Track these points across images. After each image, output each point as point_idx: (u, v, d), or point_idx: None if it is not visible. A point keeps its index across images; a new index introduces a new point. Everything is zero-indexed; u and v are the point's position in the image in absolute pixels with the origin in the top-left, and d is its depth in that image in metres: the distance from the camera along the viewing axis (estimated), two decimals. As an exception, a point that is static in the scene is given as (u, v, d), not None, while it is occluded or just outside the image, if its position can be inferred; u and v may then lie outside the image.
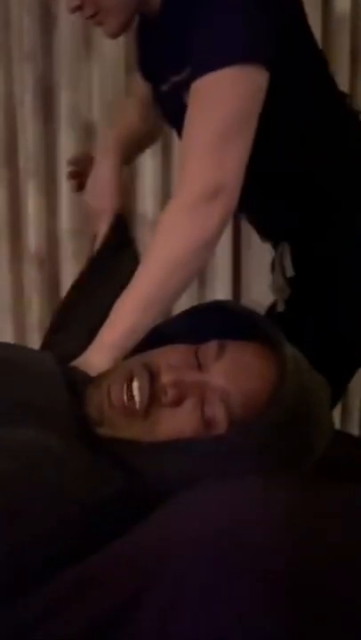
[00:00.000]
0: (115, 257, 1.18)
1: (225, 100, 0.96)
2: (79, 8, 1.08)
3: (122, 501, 0.70)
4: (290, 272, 1.24)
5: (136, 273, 0.98)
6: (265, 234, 1.34)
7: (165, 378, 0.76)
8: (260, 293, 2.00)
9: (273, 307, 1.32)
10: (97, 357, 0.91)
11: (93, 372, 0.87)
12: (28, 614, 0.59)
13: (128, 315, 0.94)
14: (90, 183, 1.30)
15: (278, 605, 0.53)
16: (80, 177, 1.38)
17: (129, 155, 1.36)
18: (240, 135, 0.96)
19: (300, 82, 1.10)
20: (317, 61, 1.17)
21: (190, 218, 0.96)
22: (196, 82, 0.97)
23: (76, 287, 1.20)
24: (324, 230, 1.19)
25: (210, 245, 0.98)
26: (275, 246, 1.31)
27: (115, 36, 1.12)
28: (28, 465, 0.65)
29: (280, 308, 1.28)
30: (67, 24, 1.90)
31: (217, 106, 0.96)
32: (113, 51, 1.92)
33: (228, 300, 1.86)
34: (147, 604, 0.56)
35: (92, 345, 0.94)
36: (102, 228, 1.25)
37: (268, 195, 1.20)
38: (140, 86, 1.34)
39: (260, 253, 1.97)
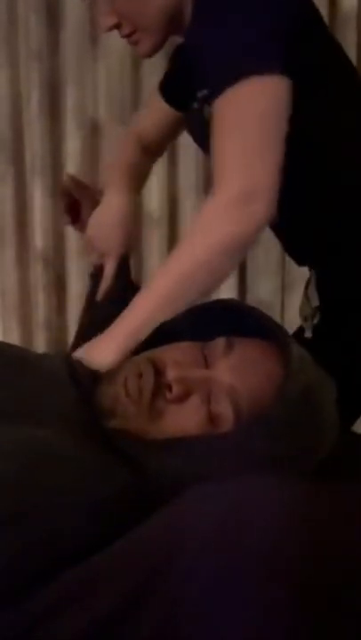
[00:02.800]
0: (118, 301, 1.13)
1: (249, 108, 0.95)
2: (116, 27, 1.08)
3: (127, 499, 0.70)
4: (315, 302, 1.22)
5: (159, 269, 0.97)
6: (297, 258, 1.31)
7: (171, 374, 0.76)
8: (266, 292, 2.00)
9: (300, 332, 1.30)
10: (103, 349, 0.90)
11: (97, 363, 0.87)
12: (32, 613, 0.59)
13: (143, 310, 0.93)
14: (95, 219, 1.24)
15: (284, 605, 0.53)
16: (74, 207, 1.33)
17: (137, 189, 1.32)
18: (270, 142, 0.95)
19: (329, 94, 1.09)
20: (343, 68, 1.15)
21: (224, 221, 0.94)
22: (219, 97, 0.96)
23: (78, 336, 1.19)
24: (352, 258, 1.17)
25: (241, 249, 0.97)
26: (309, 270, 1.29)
27: (148, 55, 1.11)
28: (27, 465, 0.65)
29: (308, 334, 1.25)
30: (73, 23, 1.91)
31: (244, 118, 0.95)
32: (119, 49, 1.92)
33: (233, 298, 1.86)
34: (151, 602, 0.56)
35: (103, 335, 0.93)
36: (106, 268, 1.21)
37: (297, 216, 1.17)
38: (157, 111, 1.33)
39: (266, 252, 1.97)
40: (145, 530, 0.63)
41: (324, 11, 1.84)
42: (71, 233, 2.00)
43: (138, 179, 1.33)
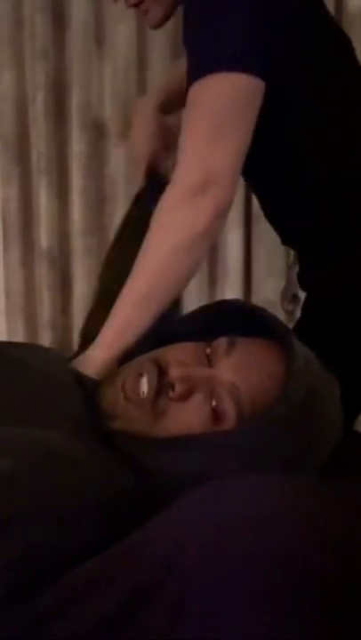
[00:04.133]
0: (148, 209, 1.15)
1: (213, 100, 0.96)
2: None
3: (131, 499, 0.70)
4: (295, 289, 1.25)
5: (133, 269, 0.98)
6: (281, 235, 1.33)
7: (174, 373, 0.76)
8: (271, 292, 2.00)
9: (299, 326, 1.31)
10: (95, 355, 0.93)
11: (91, 369, 0.89)
12: (38, 612, 0.59)
13: (122, 311, 0.95)
14: (132, 131, 1.31)
15: (289, 608, 0.53)
16: (127, 125, 1.39)
17: (173, 103, 1.34)
18: (228, 134, 0.96)
19: (316, 90, 1.09)
20: (340, 63, 1.15)
21: (181, 212, 0.96)
22: (192, 85, 0.98)
23: (106, 262, 1.22)
24: (336, 251, 1.17)
25: (204, 238, 0.97)
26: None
27: (157, 26, 1.12)
28: (33, 465, 0.65)
29: (287, 321, 1.27)
30: (78, 23, 1.91)
31: (206, 106, 0.97)
32: (125, 49, 1.92)
33: (237, 298, 1.86)
34: (156, 601, 0.56)
35: (94, 343, 0.95)
36: (138, 176, 1.27)
37: (287, 207, 1.20)
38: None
39: (271, 252, 1.97)
40: (152, 528, 0.63)
41: (330, 10, 1.84)
42: (76, 233, 2.00)
43: (176, 96, 1.34)
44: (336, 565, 0.56)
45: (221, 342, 0.79)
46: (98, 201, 2.01)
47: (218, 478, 0.67)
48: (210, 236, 0.98)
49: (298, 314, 1.28)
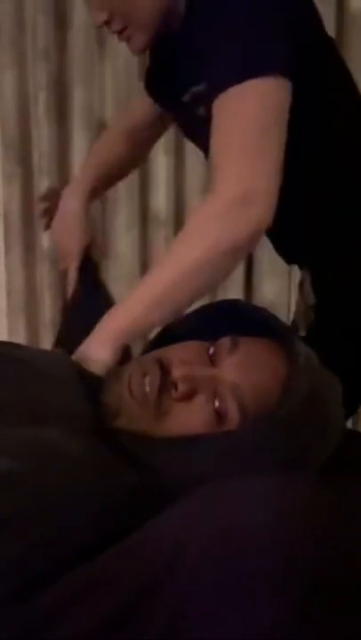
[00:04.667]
0: (86, 305, 1.15)
1: (252, 112, 0.94)
2: (107, 23, 1.05)
3: (134, 498, 0.70)
4: (311, 299, 1.21)
5: (153, 269, 0.97)
6: (287, 257, 1.30)
7: (177, 372, 0.76)
8: (273, 292, 2.00)
9: (293, 326, 1.30)
10: (97, 347, 0.90)
11: (93, 363, 0.87)
12: (38, 612, 0.59)
13: (135, 307, 0.92)
14: (56, 221, 1.27)
15: (290, 609, 0.53)
16: (51, 214, 1.34)
17: (102, 186, 1.33)
18: (269, 144, 0.94)
19: (324, 96, 1.08)
20: (342, 73, 1.14)
21: (220, 223, 0.92)
22: (220, 96, 0.95)
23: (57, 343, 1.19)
24: (347, 257, 1.16)
25: (238, 253, 0.95)
26: (300, 269, 1.29)
27: (140, 52, 1.10)
28: (34, 466, 0.65)
29: (301, 332, 1.24)
30: (80, 23, 1.91)
31: (244, 118, 0.94)
32: (126, 50, 1.90)
33: (238, 298, 1.86)
34: (158, 601, 0.56)
35: (93, 333, 0.92)
36: (71, 270, 1.22)
37: (291, 217, 1.13)
38: (144, 105, 1.32)
39: (272, 252, 1.96)
40: (154, 528, 0.63)
41: (331, 12, 1.84)
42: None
43: (107, 177, 1.34)
44: (337, 566, 0.56)
45: (224, 342, 0.79)
46: (99, 201, 2.01)
47: (220, 478, 0.66)
48: (243, 252, 0.97)
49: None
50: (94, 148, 1.42)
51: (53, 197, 1.33)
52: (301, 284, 1.25)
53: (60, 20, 1.93)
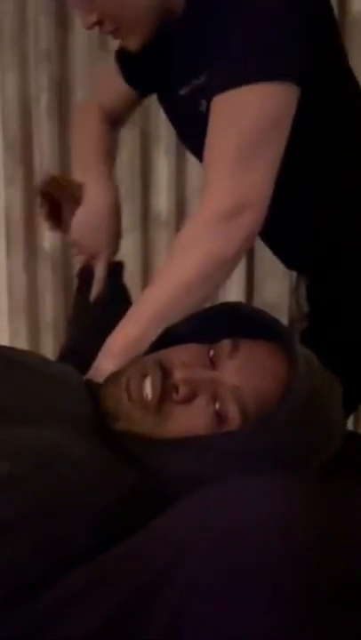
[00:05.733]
0: (112, 309, 1.11)
1: (251, 115, 0.92)
2: (97, 24, 1.02)
3: (136, 499, 0.70)
4: (304, 307, 1.21)
5: (152, 284, 0.96)
6: (286, 262, 1.30)
7: (177, 375, 0.76)
8: (273, 294, 2.00)
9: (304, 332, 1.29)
10: (105, 365, 0.91)
11: (102, 379, 0.87)
12: (39, 612, 0.60)
13: (136, 325, 0.93)
14: (79, 219, 1.16)
15: (291, 609, 0.53)
16: (55, 210, 1.23)
17: (112, 163, 1.26)
18: (265, 152, 0.92)
19: (328, 101, 1.06)
20: (350, 78, 1.12)
21: (211, 235, 0.92)
22: (221, 95, 0.93)
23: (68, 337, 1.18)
24: (342, 268, 1.16)
25: (230, 263, 0.95)
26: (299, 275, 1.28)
27: (136, 50, 1.06)
28: (37, 466, 0.65)
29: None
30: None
31: (242, 121, 0.92)
32: (128, 51, 1.92)
33: (239, 301, 1.86)
34: (159, 602, 0.56)
35: (101, 352, 0.94)
36: (97, 271, 1.17)
37: (290, 221, 1.15)
38: (115, 92, 1.26)
39: (273, 254, 1.97)
40: (156, 529, 0.64)
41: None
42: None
43: (110, 152, 1.26)
44: (337, 567, 0.56)
45: (225, 344, 0.79)
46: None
47: (220, 480, 0.67)
48: (237, 260, 0.96)
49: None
50: (82, 134, 1.30)
51: (56, 191, 1.23)
52: (296, 290, 1.25)
53: (62, 22, 1.93)
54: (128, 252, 2.02)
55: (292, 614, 0.53)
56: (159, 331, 0.90)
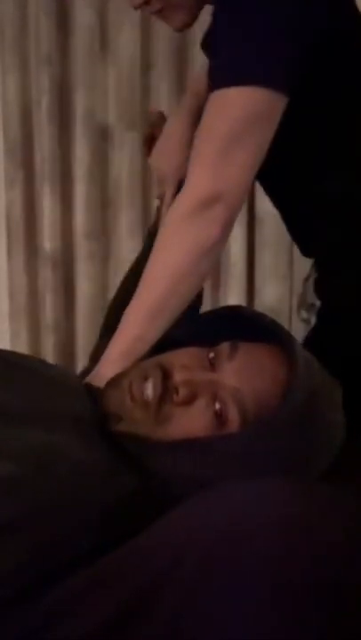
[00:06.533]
0: None
1: (233, 113, 0.95)
2: (146, 3, 1.05)
3: (137, 501, 0.71)
4: (310, 298, 1.22)
5: (140, 283, 0.98)
6: (301, 248, 1.30)
7: (178, 377, 0.77)
8: (274, 298, 2.00)
9: (310, 337, 1.30)
10: (106, 371, 0.91)
11: (102, 384, 0.87)
12: (41, 612, 0.60)
13: (132, 327, 0.94)
14: (157, 147, 1.24)
15: (291, 611, 0.53)
16: (151, 140, 1.29)
17: (199, 118, 1.27)
18: (246, 147, 0.95)
19: (346, 98, 1.07)
20: None
21: (188, 227, 0.95)
22: (214, 92, 0.96)
23: (131, 272, 1.20)
24: (351, 263, 1.16)
25: (211, 253, 0.97)
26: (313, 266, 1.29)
27: (180, 30, 1.10)
28: (39, 467, 0.65)
29: (304, 329, 1.26)
30: (83, 27, 1.92)
31: (223, 119, 0.95)
32: (129, 53, 1.93)
33: (240, 304, 1.86)
34: (159, 602, 0.56)
35: (102, 358, 0.94)
36: (167, 196, 1.20)
37: (307, 206, 1.17)
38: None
39: (274, 257, 1.97)
40: (157, 531, 0.64)
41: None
42: (79, 237, 2.01)
43: (200, 98, 1.26)
44: (337, 568, 0.57)
45: (224, 347, 0.80)
46: (101, 205, 2.02)
47: (220, 483, 0.67)
48: (217, 248, 0.98)
49: (313, 321, 1.27)
50: (194, 78, 1.38)
51: (160, 124, 1.28)
52: (306, 280, 1.26)
53: (63, 24, 1.94)
54: (129, 255, 2.03)
55: (293, 615, 0.53)
56: (157, 328, 0.92)
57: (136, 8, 1.07)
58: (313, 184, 1.12)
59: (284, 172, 1.09)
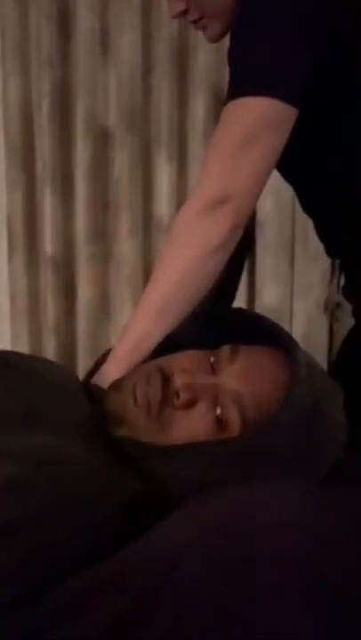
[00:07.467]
0: None
1: (245, 122, 0.97)
2: (184, 13, 1.09)
3: (137, 503, 0.71)
4: (335, 296, 1.24)
5: (152, 277, 0.98)
6: (327, 248, 1.33)
7: (178, 381, 0.77)
8: (275, 300, 2.00)
9: (336, 366, 1.30)
10: (111, 369, 0.91)
11: (107, 384, 0.88)
12: (42, 613, 0.60)
13: (139, 324, 0.94)
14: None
15: (291, 609, 0.53)
16: None
17: None
18: (256, 150, 0.97)
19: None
20: None
21: (197, 224, 0.96)
22: (228, 103, 0.99)
23: None
24: None
25: (218, 253, 0.98)
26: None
27: (215, 40, 1.13)
28: (40, 468, 0.65)
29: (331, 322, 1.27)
30: (84, 31, 1.92)
31: (239, 122, 0.97)
32: (130, 57, 1.93)
33: (241, 307, 1.86)
34: (160, 603, 0.56)
35: (109, 355, 0.94)
36: None
37: (333, 206, 1.19)
38: None
39: (274, 259, 1.97)
40: (158, 534, 0.64)
41: None
42: (80, 239, 2.01)
43: None
44: (341, 570, 0.57)
45: (225, 350, 0.80)
46: (102, 207, 2.02)
47: (222, 486, 0.67)
48: (226, 248, 0.98)
49: (350, 320, 1.27)
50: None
51: None
52: (330, 282, 1.28)
53: (64, 28, 1.94)
54: (130, 256, 2.03)
55: (293, 614, 0.53)
56: (166, 324, 0.92)
57: (174, 17, 1.11)
58: (342, 180, 1.14)
59: (315, 175, 1.11)
